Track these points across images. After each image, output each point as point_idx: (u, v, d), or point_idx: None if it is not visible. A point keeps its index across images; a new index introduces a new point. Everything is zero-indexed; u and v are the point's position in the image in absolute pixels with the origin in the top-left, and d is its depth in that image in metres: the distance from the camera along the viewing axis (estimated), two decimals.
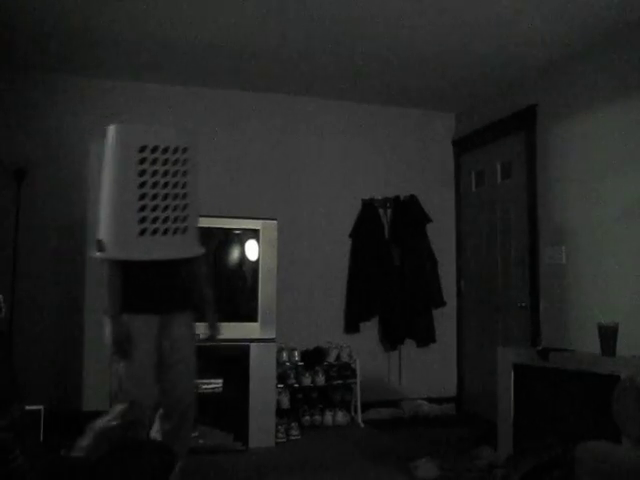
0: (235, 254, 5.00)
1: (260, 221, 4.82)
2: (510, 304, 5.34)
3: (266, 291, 4.77)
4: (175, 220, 3.06)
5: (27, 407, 2.92)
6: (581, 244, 4.58)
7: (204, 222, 4.78)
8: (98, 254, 3.14)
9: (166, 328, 3.27)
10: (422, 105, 5.99)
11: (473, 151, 5.97)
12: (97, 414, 4.49)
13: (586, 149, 4.56)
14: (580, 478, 2.55)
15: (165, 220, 3.03)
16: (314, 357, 5.35)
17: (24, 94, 5.08)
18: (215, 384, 4.71)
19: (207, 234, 4.83)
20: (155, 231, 3.01)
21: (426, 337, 5.77)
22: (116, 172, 3.06)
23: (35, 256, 5.00)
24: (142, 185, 2.97)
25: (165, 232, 3.04)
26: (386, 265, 5.71)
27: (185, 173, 3.08)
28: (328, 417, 5.29)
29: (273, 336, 4.74)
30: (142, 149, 2.96)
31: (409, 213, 5.80)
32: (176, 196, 3.04)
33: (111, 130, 3.07)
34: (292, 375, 5.25)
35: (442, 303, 5.87)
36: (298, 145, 5.72)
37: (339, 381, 5.35)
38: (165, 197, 3.01)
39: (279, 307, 4.80)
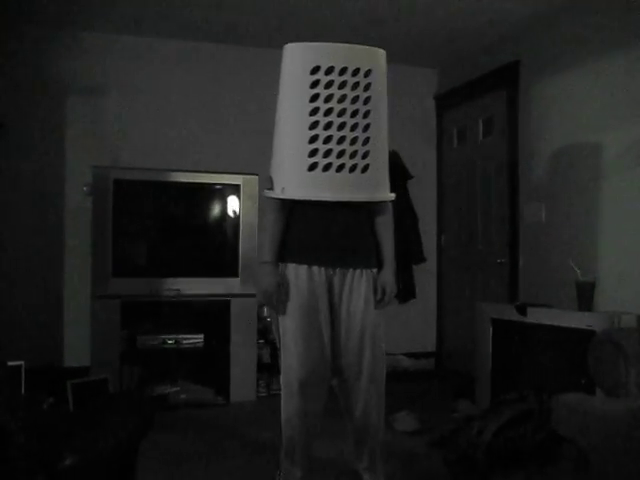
0: (215, 209, 4.98)
1: (241, 176, 4.79)
2: (490, 260, 5.39)
3: (247, 246, 4.76)
4: (353, 155, 2.59)
5: (8, 363, 2.92)
6: (561, 202, 4.60)
7: (183, 177, 4.81)
8: (266, 192, 2.77)
9: (337, 289, 2.76)
10: (404, 60, 5.93)
11: (455, 107, 5.95)
12: (79, 370, 4.56)
13: (568, 107, 4.55)
14: (555, 428, 2.60)
15: (340, 154, 2.57)
16: None
17: (1, 46, 4.96)
18: (196, 339, 4.74)
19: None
20: (327, 167, 2.56)
21: (406, 293, 5.80)
22: (286, 98, 2.67)
23: (13, 210, 4.94)
24: (314, 112, 2.54)
25: (340, 169, 2.57)
26: None
27: (368, 100, 2.60)
28: None
29: (254, 291, 4.75)
30: (315, 70, 2.53)
31: (390, 169, 5.76)
32: (355, 126, 2.58)
33: (285, 50, 2.68)
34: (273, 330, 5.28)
35: (422, 259, 5.89)
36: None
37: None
38: (341, 127, 2.55)
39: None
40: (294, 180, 2.65)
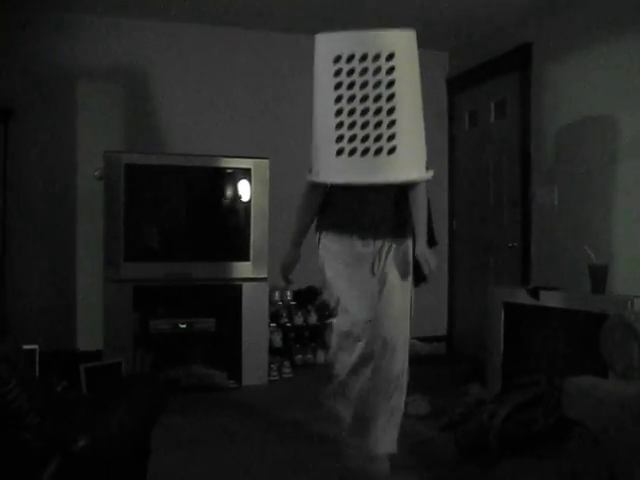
0: (227, 193, 4.98)
1: (252, 160, 4.78)
2: (501, 244, 5.37)
3: (258, 230, 4.76)
4: (378, 139, 2.67)
5: (23, 347, 2.92)
6: (573, 185, 4.58)
7: (194, 162, 4.81)
8: (307, 175, 2.94)
9: (369, 256, 3.09)
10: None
11: (467, 90, 5.90)
12: (92, 354, 4.59)
13: (581, 89, 4.51)
14: (567, 412, 2.60)
15: (364, 139, 2.67)
16: (306, 296, 5.38)
17: (10, 32, 4.96)
18: (208, 323, 4.76)
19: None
20: (353, 151, 2.68)
21: (417, 277, 5.78)
22: (317, 87, 2.79)
23: (25, 195, 4.96)
24: (338, 100, 2.66)
25: (365, 152, 2.68)
26: None
27: (391, 84, 2.65)
28: (320, 356, 5.34)
29: (265, 275, 4.76)
30: (337, 59, 2.65)
31: None
32: (378, 111, 2.65)
33: (315, 41, 2.78)
34: (284, 314, 5.29)
35: (434, 243, 5.85)
36: (290, 83, 5.63)
37: (331, 320, 5.38)
38: (364, 112, 2.65)
39: (271, 246, 4.79)
40: (325, 165, 2.79)
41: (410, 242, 3.14)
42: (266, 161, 4.78)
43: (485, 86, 5.62)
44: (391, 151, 2.69)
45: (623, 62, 4.14)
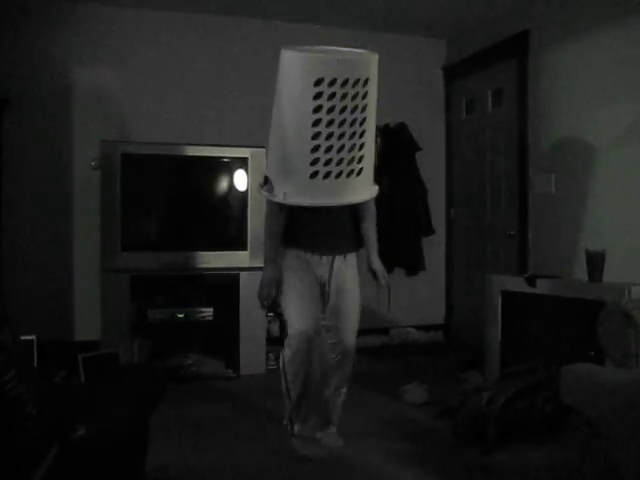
0: (223, 182, 4.96)
1: (249, 149, 4.77)
2: (499, 232, 5.37)
3: (255, 220, 4.73)
4: (350, 162, 2.70)
5: (20, 337, 2.92)
6: (571, 172, 4.57)
7: (191, 151, 4.79)
8: (265, 193, 2.94)
9: (327, 268, 3.20)
10: (412, 31, 5.87)
11: (464, 78, 5.89)
12: (90, 343, 4.59)
13: (579, 76, 4.50)
14: (564, 399, 2.61)
15: (339, 162, 2.67)
16: None
17: (5, 20, 4.92)
18: (206, 313, 4.76)
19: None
20: (327, 174, 2.68)
21: (415, 265, 5.80)
22: (288, 105, 2.70)
23: (20, 186, 4.94)
24: (316, 123, 2.59)
25: (338, 175, 2.69)
26: None
27: (364, 108, 2.67)
28: None
29: (262, 265, 4.74)
30: (318, 82, 2.54)
31: (399, 141, 5.74)
32: (353, 135, 2.66)
33: (284, 56, 2.67)
34: None
35: (431, 231, 5.88)
36: None
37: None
38: (341, 136, 2.63)
39: None
40: (295, 186, 2.79)
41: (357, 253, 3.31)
42: (263, 150, 4.73)
43: (482, 74, 5.60)
44: (359, 172, 2.77)
45: (621, 49, 4.13)
